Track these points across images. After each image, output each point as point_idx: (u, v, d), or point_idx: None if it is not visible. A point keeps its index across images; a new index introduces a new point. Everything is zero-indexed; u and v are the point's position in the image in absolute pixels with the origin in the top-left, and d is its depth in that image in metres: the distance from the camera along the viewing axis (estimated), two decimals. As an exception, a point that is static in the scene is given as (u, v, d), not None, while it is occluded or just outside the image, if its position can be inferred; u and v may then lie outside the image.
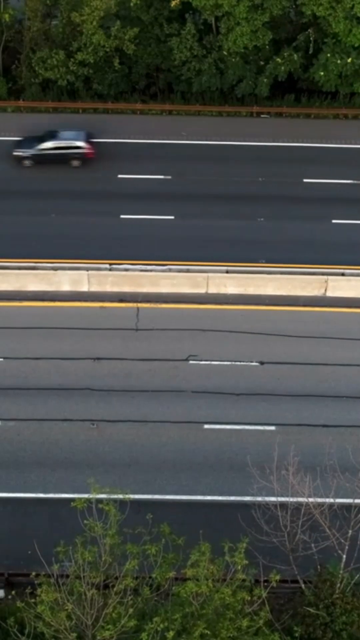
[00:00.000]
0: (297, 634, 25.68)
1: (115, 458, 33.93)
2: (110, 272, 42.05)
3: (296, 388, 36.97)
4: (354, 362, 38.18)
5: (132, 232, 44.96)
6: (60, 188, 48.08)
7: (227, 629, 23.21)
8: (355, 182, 49.41)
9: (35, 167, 49.50)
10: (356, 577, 26.90)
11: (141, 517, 26.57)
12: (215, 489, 32.94)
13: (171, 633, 22.15)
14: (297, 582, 27.80)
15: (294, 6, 54.30)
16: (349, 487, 27.53)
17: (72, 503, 24.96)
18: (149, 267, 42.31)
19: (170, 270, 42.29)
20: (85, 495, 25.27)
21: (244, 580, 24.13)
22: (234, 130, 53.44)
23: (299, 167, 50.27)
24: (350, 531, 26.51)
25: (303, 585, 27.45)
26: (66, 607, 23.00)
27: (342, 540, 26.57)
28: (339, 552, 26.81)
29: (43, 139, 49.94)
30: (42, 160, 49.57)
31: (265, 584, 25.45)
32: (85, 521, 24.45)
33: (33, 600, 23.84)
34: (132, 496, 26.85)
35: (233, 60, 54.04)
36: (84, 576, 23.36)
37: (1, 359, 37.94)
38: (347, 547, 26.73)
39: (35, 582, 24.29)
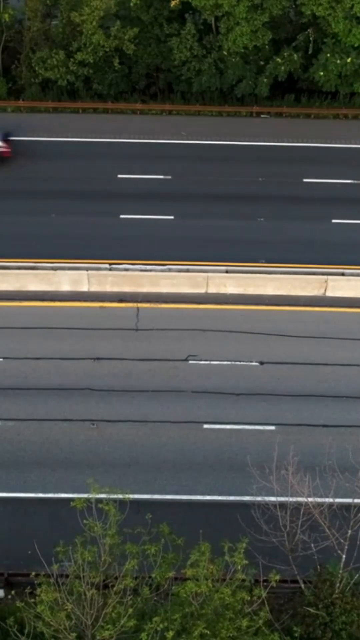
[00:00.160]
0: (296, 634, 25.69)
1: (115, 458, 33.93)
2: (110, 272, 42.06)
3: (296, 388, 36.98)
4: (354, 362, 38.18)
5: (132, 232, 44.98)
6: (59, 188, 48.15)
7: (227, 628, 23.21)
8: (355, 182, 49.44)
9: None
10: (356, 577, 26.90)
11: (141, 517, 26.57)
12: (215, 489, 32.94)
13: (171, 633, 22.16)
14: (296, 582, 27.80)
15: (293, 6, 54.34)
16: (348, 487, 27.54)
17: (71, 503, 24.97)
18: (148, 267, 42.32)
19: (170, 270, 42.30)
20: (85, 495, 25.28)
21: (243, 580, 24.13)
22: (234, 130, 53.47)
23: (299, 167, 50.30)
24: (349, 531, 26.51)
25: (303, 585, 27.45)
26: (66, 607, 23.01)
27: (342, 540, 26.57)
28: (339, 552, 26.81)
29: None
30: None
31: (265, 584, 25.45)
32: (85, 521, 24.46)
33: (33, 600, 23.84)
34: (132, 496, 26.84)
35: (233, 60, 54.06)
36: (83, 576, 23.37)
37: (1, 359, 37.95)
38: (346, 547, 26.73)
39: (35, 582, 24.29)
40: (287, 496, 26.83)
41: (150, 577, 24.61)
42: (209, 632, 22.82)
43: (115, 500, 25.05)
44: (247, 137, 52.85)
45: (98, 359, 38.08)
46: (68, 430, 34.87)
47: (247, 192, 48.41)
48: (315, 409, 36.03)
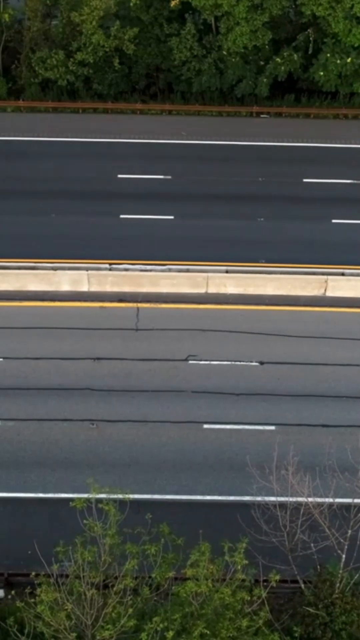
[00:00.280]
0: (296, 634, 25.69)
1: (115, 458, 33.92)
2: (110, 272, 42.07)
3: (296, 388, 36.97)
4: (354, 362, 38.18)
5: (132, 232, 44.99)
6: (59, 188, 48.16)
7: (227, 628, 23.21)
8: (355, 182, 49.45)
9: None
10: (356, 577, 26.90)
11: (141, 517, 26.58)
12: (215, 489, 32.93)
13: (171, 633, 22.16)
14: (296, 582, 27.80)
15: (293, 6, 54.37)
16: (348, 486, 27.53)
17: (71, 503, 24.98)
18: (148, 267, 42.32)
19: (170, 270, 42.30)
20: (85, 495, 25.28)
21: (243, 580, 24.13)
22: (234, 130, 53.50)
23: (299, 167, 50.32)
24: (349, 531, 26.51)
25: (302, 585, 27.45)
26: (66, 607, 23.01)
27: (342, 540, 26.57)
28: (339, 551, 26.81)
29: None
30: None
31: (265, 584, 25.45)
32: (85, 521, 24.46)
33: (33, 600, 23.84)
34: (132, 496, 26.84)
35: (233, 60, 54.09)
36: (83, 576, 23.37)
37: (1, 359, 37.94)
38: (346, 547, 26.73)
39: (35, 582, 24.29)
40: (287, 496, 26.83)
41: (150, 577, 24.61)
42: (209, 632, 22.82)
43: (115, 500, 25.05)
44: (247, 137, 52.88)
45: (98, 359, 38.08)
46: (68, 430, 34.86)
47: (247, 192, 48.43)
48: (315, 409, 36.03)
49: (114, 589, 23.35)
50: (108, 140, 52.40)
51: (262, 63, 55.07)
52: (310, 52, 54.99)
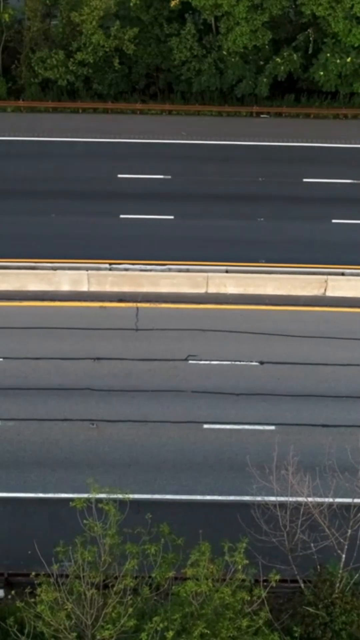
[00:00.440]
0: (296, 634, 25.69)
1: (115, 458, 33.93)
2: (110, 272, 42.08)
3: (296, 388, 36.98)
4: (354, 362, 38.18)
5: (132, 232, 44.99)
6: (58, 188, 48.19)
7: (227, 628, 23.22)
8: (355, 182, 49.46)
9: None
10: (356, 577, 26.91)
11: (141, 517, 26.59)
12: (215, 489, 32.94)
13: (171, 633, 22.17)
14: (296, 581, 27.81)
15: (293, 6, 54.38)
16: (348, 486, 27.54)
17: (71, 503, 24.98)
18: (148, 267, 42.33)
19: (170, 270, 42.31)
20: (85, 495, 25.29)
21: (243, 580, 24.14)
22: (234, 130, 53.50)
23: (299, 167, 50.33)
24: (349, 531, 26.51)
25: (302, 585, 27.45)
26: (66, 607, 23.02)
27: (342, 540, 26.57)
28: (339, 551, 26.81)
29: None
30: None
31: (265, 583, 25.46)
32: (84, 521, 24.47)
33: (33, 600, 23.85)
34: (131, 496, 26.85)
35: (233, 60, 54.10)
36: (83, 576, 23.38)
37: (1, 359, 37.95)
38: (346, 547, 26.73)
39: (35, 581, 24.30)
40: (287, 496, 26.84)
41: (150, 577, 24.62)
42: (209, 632, 22.83)
43: (115, 500, 25.06)
44: (247, 137, 52.89)
45: (98, 359, 38.09)
46: (68, 430, 34.87)
47: (247, 192, 48.44)
48: (315, 409, 36.03)
49: (114, 588, 23.35)
50: (108, 140, 52.41)
51: (262, 63, 55.08)
52: (310, 52, 55.00)
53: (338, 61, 53.14)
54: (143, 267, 42.38)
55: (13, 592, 26.60)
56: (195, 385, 36.94)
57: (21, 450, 34.12)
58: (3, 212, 46.04)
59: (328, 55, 53.19)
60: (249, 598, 24.05)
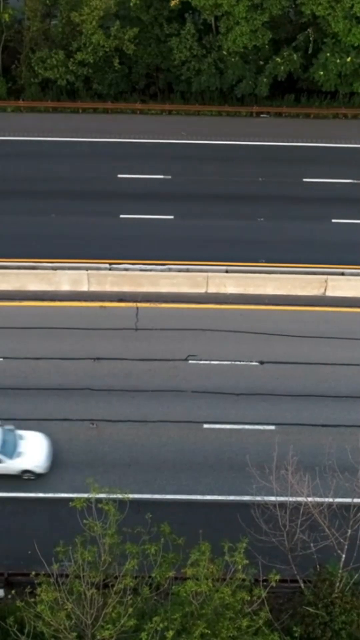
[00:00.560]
0: (296, 634, 25.71)
1: (115, 458, 33.94)
2: (110, 272, 42.08)
3: (296, 388, 36.99)
4: (354, 362, 38.19)
5: (132, 232, 44.99)
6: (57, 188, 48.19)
7: (227, 628, 23.24)
8: (355, 181, 49.45)
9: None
10: (355, 577, 26.93)
11: (141, 516, 26.63)
12: (215, 489, 32.96)
13: (171, 633, 22.18)
14: (296, 581, 27.83)
15: (293, 6, 54.35)
16: (348, 486, 27.56)
17: (71, 503, 25.00)
18: (148, 267, 42.33)
19: (170, 270, 42.32)
20: (85, 495, 25.30)
21: (243, 580, 24.16)
22: (234, 130, 53.49)
23: (299, 167, 50.32)
24: (349, 530, 26.53)
25: (302, 585, 27.48)
26: (66, 607, 23.04)
27: (341, 540, 26.59)
28: (338, 551, 26.83)
29: None
30: None
31: (265, 583, 25.48)
32: (84, 521, 24.48)
33: (33, 599, 23.88)
34: (132, 496, 26.89)
35: (232, 60, 54.09)
36: (83, 576, 23.40)
37: (1, 359, 37.96)
38: (346, 547, 26.75)
39: (35, 581, 24.34)
40: (286, 496, 26.85)
41: (150, 576, 24.64)
42: (209, 632, 22.84)
43: (115, 500, 25.07)
44: (246, 137, 52.88)
45: (98, 358, 38.10)
46: (68, 430, 34.88)
47: (247, 192, 48.44)
48: (315, 409, 36.04)
49: (114, 588, 23.38)
50: (108, 140, 52.41)
51: (262, 63, 55.07)
52: (310, 51, 55.00)
53: (338, 61, 53.14)
54: (143, 267, 42.38)
55: (13, 591, 26.64)
56: (195, 385, 36.95)
57: (21, 450, 34.12)
58: (3, 212, 46.04)
59: (328, 55, 53.20)
60: (249, 598, 24.07)
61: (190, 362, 38.08)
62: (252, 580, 24.73)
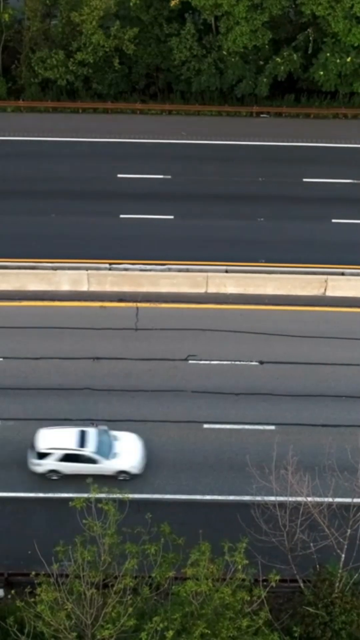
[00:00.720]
0: (296, 634, 25.72)
1: (115, 458, 33.94)
2: (109, 272, 42.09)
3: (296, 388, 37.00)
4: (354, 362, 38.20)
5: (132, 232, 44.99)
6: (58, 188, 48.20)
7: (227, 628, 23.25)
8: (355, 181, 49.45)
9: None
10: (355, 577, 26.95)
11: (141, 516, 26.63)
12: (215, 489, 32.97)
13: (171, 632, 22.20)
14: (296, 581, 27.84)
15: (293, 6, 54.32)
16: (347, 486, 27.58)
17: (70, 503, 25.01)
18: (148, 267, 42.34)
19: (170, 270, 42.33)
20: (85, 495, 25.31)
21: (243, 580, 24.18)
22: (234, 130, 53.47)
23: (299, 167, 50.31)
24: (349, 530, 26.55)
25: (302, 585, 27.49)
26: (66, 607, 23.05)
27: (341, 540, 26.60)
28: (338, 551, 26.84)
29: None
30: None
31: (265, 583, 25.49)
32: (84, 521, 24.49)
33: (33, 599, 23.89)
34: (131, 496, 26.90)
35: (232, 60, 54.07)
36: (83, 575, 23.42)
37: (1, 359, 37.97)
38: (345, 547, 26.77)
39: (35, 581, 24.34)
40: (286, 496, 26.86)
41: (150, 576, 24.65)
42: (209, 632, 22.85)
43: (114, 500, 25.08)
44: (247, 137, 52.87)
45: (98, 358, 38.10)
46: (68, 430, 34.86)
47: (247, 192, 48.43)
48: (315, 409, 36.05)
49: (114, 588, 23.39)
50: (108, 140, 52.40)
51: (262, 63, 55.04)
52: (310, 51, 54.97)
53: (338, 61, 53.12)
54: (143, 267, 42.38)
55: (13, 591, 26.65)
56: (195, 385, 36.96)
57: (21, 450, 34.11)
58: (3, 212, 46.04)
59: (328, 55, 53.18)
60: (249, 598, 24.09)
61: (190, 362, 38.09)
62: (252, 580, 24.75)
